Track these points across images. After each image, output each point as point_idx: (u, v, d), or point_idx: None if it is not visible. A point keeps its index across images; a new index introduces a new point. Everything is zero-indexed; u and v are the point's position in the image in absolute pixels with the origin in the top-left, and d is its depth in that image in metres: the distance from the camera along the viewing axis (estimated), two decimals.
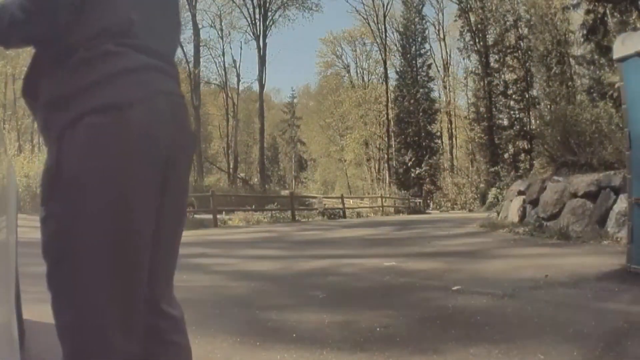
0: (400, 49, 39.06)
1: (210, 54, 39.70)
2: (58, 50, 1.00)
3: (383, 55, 39.05)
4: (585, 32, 14.55)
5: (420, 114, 37.29)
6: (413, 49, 38.37)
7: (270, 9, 34.65)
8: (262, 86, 34.73)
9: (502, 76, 33.17)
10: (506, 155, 32.61)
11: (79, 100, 0.97)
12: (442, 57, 39.82)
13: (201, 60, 34.43)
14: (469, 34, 34.24)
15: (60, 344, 1.00)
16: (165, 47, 1.15)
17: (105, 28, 1.02)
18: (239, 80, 40.53)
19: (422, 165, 35.95)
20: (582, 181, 6.85)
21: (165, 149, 1.06)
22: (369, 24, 39.45)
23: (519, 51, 32.40)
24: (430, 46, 39.69)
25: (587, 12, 14.49)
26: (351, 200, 27.19)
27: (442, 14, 40.84)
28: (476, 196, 30.29)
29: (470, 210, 28.01)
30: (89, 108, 0.96)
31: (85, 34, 1.00)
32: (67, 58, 0.99)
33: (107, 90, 0.98)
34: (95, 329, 1.00)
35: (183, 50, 34.72)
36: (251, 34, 34.85)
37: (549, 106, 25.63)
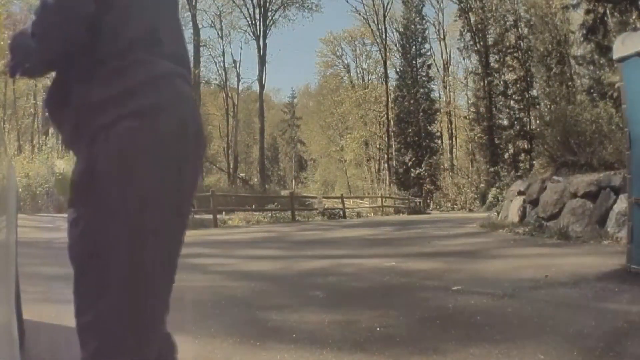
0: (400, 49, 39.06)
1: (210, 54, 39.65)
2: (89, 62, 1.04)
3: (383, 55, 39.05)
4: (585, 32, 14.54)
5: (420, 114, 37.29)
6: (413, 49, 38.36)
7: (270, 9, 34.67)
8: (262, 86, 34.76)
9: (502, 76, 33.16)
10: (506, 155, 32.61)
11: (113, 106, 1.01)
12: (442, 57, 39.83)
13: (201, 60, 34.40)
14: (469, 34, 34.24)
15: (80, 343, 1.02)
16: (183, 52, 1.20)
17: (134, 38, 1.07)
18: (239, 80, 40.55)
19: (422, 165, 35.94)
20: (582, 181, 6.85)
21: (189, 151, 1.11)
22: (369, 24, 39.45)
23: (519, 51, 32.40)
24: (430, 46, 39.72)
25: (587, 12, 14.48)
26: (351, 200, 27.19)
27: (442, 14, 40.73)
28: (476, 196, 30.29)
29: (470, 210, 28.00)
30: (123, 113, 1.01)
31: (116, 45, 1.05)
32: (99, 68, 1.03)
33: (140, 96, 1.03)
34: (115, 329, 1.01)
35: None
36: (251, 34, 34.87)
37: (549, 106, 25.60)
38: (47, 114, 1.14)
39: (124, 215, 1.00)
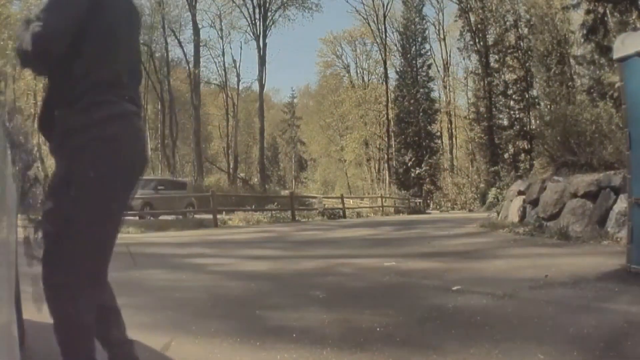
0: (400, 49, 39.05)
1: (210, 54, 39.84)
2: (70, 96, 1.45)
3: (383, 55, 39.04)
4: (585, 32, 14.53)
5: (420, 114, 37.28)
6: (413, 49, 38.35)
7: (270, 9, 34.63)
8: (262, 86, 34.74)
9: (502, 76, 33.17)
10: (506, 155, 32.62)
11: (87, 132, 1.45)
12: (442, 57, 39.87)
13: (201, 60, 34.46)
14: (469, 34, 34.24)
15: (48, 302, 1.46)
16: (137, 94, 1.67)
17: (104, 80, 1.51)
18: (239, 80, 40.55)
19: (422, 165, 35.94)
20: (582, 181, 6.85)
21: (138, 167, 1.62)
22: (369, 24, 39.46)
23: (519, 51, 32.41)
24: (430, 46, 39.73)
25: (587, 12, 14.47)
26: (351, 200, 27.19)
27: (442, 14, 40.76)
28: (476, 196, 30.30)
29: (470, 210, 28.01)
30: (94, 138, 1.45)
31: (92, 84, 1.47)
32: (77, 101, 1.45)
33: (107, 127, 1.47)
34: (75, 278, 1.46)
35: (183, 50, 34.81)
36: (251, 34, 34.84)
37: (549, 106, 25.63)
38: (39, 132, 1.59)
39: (87, 208, 1.46)
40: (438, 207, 32.70)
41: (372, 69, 43.62)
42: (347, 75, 45.19)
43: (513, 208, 9.02)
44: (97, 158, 1.45)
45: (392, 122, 37.74)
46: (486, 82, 32.77)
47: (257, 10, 34.29)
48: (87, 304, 1.49)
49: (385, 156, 38.24)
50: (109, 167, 1.47)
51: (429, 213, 26.88)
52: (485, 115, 33.04)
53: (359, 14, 40.64)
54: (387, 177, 36.85)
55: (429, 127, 38.26)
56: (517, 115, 32.59)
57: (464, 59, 36.81)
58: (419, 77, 38.21)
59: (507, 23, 33.06)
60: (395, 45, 39.49)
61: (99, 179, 1.45)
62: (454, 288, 3.56)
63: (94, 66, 1.48)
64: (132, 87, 1.63)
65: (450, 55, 39.83)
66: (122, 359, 1.70)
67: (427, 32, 38.96)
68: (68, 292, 1.44)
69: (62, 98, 1.46)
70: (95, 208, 1.46)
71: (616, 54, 4.00)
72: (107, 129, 1.46)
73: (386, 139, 38.13)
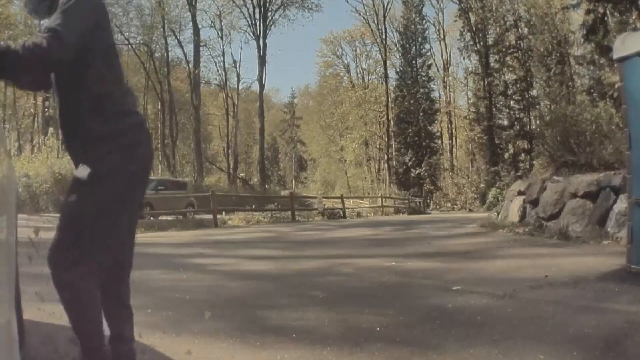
0: (400, 49, 39.08)
1: (210, 54, 39.77)
2: (94, 106, 1.63)
3: (383, 55, 39.04)
4: (585, 32, 14.52)
5: (420, 114, 37.29)
6: (413, 49, 38.38)
7: (270, 9, 34.62)
8: (262, 86, 34.72)
9: (502, 76, 33.19)
10: (506, 155, 32.64)
11: (114, 140, 1.64)
12: (442, 57, 39.89)
13: (201, 60, 34.43)
14: (469, 34, 34.26)
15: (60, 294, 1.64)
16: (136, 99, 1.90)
17: (121, 92, 1.72)
18: (239, 80, 40.52)
19: (422, 165, 35.95)
20: (582, 181, 6.85)
21: (149, 170, 1.82)
22: (369, 24, 39.48)
23: (519, 51, 32.43)
24: (430, 46, 39.76)
25: (587, 12, 14.46)
26: (351, 200, 27.18)
27: (442, 14, 40.91)
28: (476, 196, 30.33)
29: (470, 210, 28.02)
30: (116, 147, 1.64)
31: (110, 95, 1.66)
32: (101, 111, 1.64)
33: (127, 136, 1.68)
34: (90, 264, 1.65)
35: (183, 50, 34.79)
36: (251, 34, 34.83)
37: (549, 106, 25.63)
38: (61, 133, 1.76)
39: (114, 209, 1.66)
40: (438, 207, 32.72)
41: (372, 69, 43.69)
42: (347, 75, 45.25)
43: (513, 208, 9.02)
44: (123, 163, 1.64)
45: (392, 122, 37.75)
46: (486, 82, 32.79)
47: (257, 10, 34.31)
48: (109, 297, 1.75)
49: (385, 156, 38.25)
50: (132, 172, 1.67)
51: (429, 213, 26.89)
52: (485, 115, 33.06)
53: (359, 14, 40.70)
54: (387, 177, 36.85)
55: (429, 127, 38.28)
56: (517, 115, 32.62)
57: (464, 59, 36.91)
58: (419, 77, 38.23)
59: (507, 23, 33.08)
60: (395, 45, 39.56)
61: (125, 182, 1.66)
62: (454, 288, 3.56)
63: (110, 79, 1.68)
64: (135, 98, 1.90)
65: (450, 55, 39.92)
66: (125, 356, 1.78)
67: (427, 32, 39.09)
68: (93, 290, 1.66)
69: (86, 108, 1.62)
70: (122, 210, 1.69)
71: (616, 54, 4.00)
72: (129, 137, 1.67)
73: (386, 139, 38.14)
